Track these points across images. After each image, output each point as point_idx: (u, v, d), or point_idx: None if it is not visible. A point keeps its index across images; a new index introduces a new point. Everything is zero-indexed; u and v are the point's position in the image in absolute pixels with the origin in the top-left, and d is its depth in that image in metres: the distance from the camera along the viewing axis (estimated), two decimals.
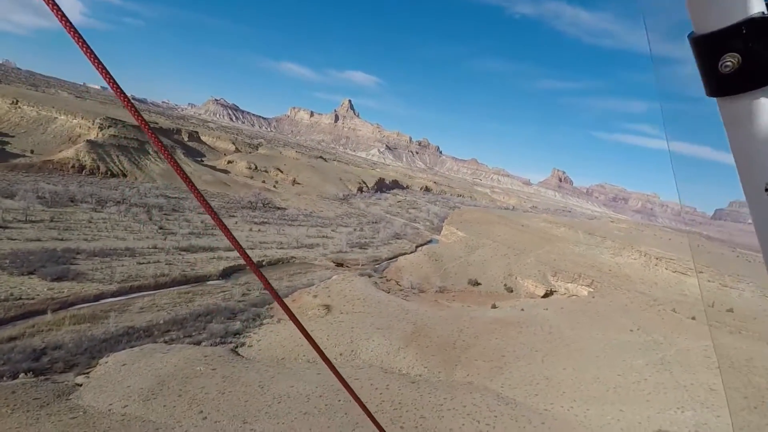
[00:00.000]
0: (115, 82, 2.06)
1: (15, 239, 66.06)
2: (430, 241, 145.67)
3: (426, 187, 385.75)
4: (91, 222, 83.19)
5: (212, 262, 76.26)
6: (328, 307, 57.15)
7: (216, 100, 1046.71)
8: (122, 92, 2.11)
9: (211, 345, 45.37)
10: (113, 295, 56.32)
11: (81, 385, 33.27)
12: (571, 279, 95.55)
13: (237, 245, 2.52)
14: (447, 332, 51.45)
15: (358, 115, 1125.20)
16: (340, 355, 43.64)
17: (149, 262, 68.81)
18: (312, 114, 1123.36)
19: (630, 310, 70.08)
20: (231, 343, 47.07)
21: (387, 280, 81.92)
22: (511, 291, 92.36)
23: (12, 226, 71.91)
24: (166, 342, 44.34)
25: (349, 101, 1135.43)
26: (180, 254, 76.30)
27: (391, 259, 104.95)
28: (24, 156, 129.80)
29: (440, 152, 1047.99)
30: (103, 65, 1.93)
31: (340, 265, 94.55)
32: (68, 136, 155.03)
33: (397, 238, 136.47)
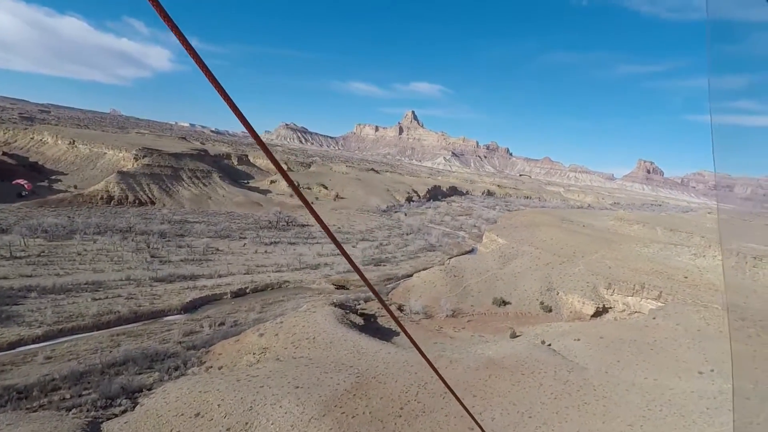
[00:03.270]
0: (246, 121, 2.52)
1: None
2: (471, 251, 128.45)
3: (488, 191, 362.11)
4: (79, 254, 79.96)
5: (183, 293, 68.19)
6: (265, 351, 45.27)
7: (286, 124, 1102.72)
8: (249, 126, 2.62)
9: (80, 412, 35.60)
10: (35, 341, 49.47)
11: None
12: (632, 291, 74.36)
13: (351, 262, 3.27)
14: (400, 389, 36.81)
15: (422, 125, 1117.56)
16: (227, 430, 31.28)
17: (107, 297, 62.23)
18: (377, 129, 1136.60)
19: (705, 337, 49.49)
20: (112, 408, 36.97)
21: (362, 311, 67.95)
22: (550, 310, 73.48)
23: None
24: (28, 410, 35.30)
25: (413, 112, 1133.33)
26: (151, 286, 69.33)
27: (408, 276, 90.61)
28: (66, 191, 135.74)
29: (510, 154, 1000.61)
30: (234, 105, 2.41)
31: (341, 287, 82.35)
32: (113, 169, 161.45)
33: (429, 251, 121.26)
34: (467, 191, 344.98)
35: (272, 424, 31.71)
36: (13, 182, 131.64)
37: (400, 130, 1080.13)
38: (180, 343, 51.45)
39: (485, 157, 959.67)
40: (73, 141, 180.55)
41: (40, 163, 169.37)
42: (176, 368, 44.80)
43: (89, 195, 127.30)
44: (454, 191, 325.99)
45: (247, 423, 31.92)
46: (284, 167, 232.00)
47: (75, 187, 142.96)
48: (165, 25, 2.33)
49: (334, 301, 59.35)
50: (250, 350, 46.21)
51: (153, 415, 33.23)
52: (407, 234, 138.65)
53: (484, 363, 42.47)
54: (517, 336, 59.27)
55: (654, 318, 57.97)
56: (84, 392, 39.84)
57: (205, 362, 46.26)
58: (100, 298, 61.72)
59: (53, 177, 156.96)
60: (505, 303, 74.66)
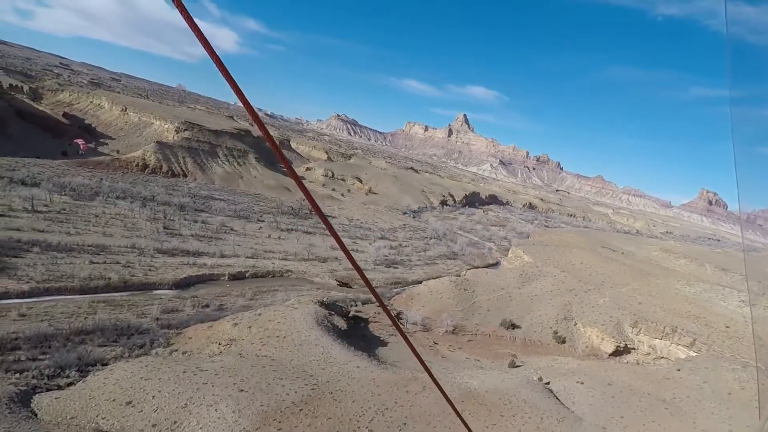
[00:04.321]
0: (243, 95, 2.59)
1: None
2: (495, 264, 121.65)
3: (530, 203, 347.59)
4: (96, 216, 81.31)
5: (181, 268, 67.23)
6: (232, 343, 42.54)
7: (338, 115, 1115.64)
8: (246, 101, 2.72)
9: (23, 377, 34.23)
10: (19, 295, 49.43)
11: None
12: (661, 334, 66.36)
13: (340, 243, 3.27)
14: (355, 411, 32.76)
15: (472, 130, 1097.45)
16: (153, 426, 28.58)
17: (104, 262, 62.10)
18: (426, 128, 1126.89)
19: (735, 403, 42.14)
20: (58, 378, 35.46)
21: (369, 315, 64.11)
22: (563, 342, 66.76)
23: (11, 214, 71.91)
24: None
25: (464, 116, 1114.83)
26: (152, 257, 68.93)
27: (418, 282, 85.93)
28: (108, 155, 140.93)
29: (561, 168, 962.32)
30: (233, 80, 2.41)
31: (344, 285, 79.06)
32: (157, 138, 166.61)
33: (450, 258, 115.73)
34: (507, 201, 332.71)
35: (201, 428, 28.67)
36: (73, 141, 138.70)
37: (450, 132, 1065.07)
38: (157, 320, 49.89)
39: (534, 168, 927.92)
40: (126, 108, 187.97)
41: (93, 126, 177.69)
42: (141, 346, 43.03)
43: (126, 161, 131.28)
44: (493, 200, 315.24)
45: (175, 422, 29.07)
46: (324, 156, 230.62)
47: (117, 151, 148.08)
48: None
49: (324, 299, 55.97)
50: (219, 339, 43.71)
51: (86, 395, 31.13)
52: (431, 238, 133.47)
53: (463, 395, 37.58)
54: (517, 366, 53.52)
55: (678, 370, 50.42)
56: (40, 357, 38.68)
57: (172, 344, 44.24)
58: (97, 262, 61.64)
59: (102, 140, 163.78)
60: (514, 326, 68.54)
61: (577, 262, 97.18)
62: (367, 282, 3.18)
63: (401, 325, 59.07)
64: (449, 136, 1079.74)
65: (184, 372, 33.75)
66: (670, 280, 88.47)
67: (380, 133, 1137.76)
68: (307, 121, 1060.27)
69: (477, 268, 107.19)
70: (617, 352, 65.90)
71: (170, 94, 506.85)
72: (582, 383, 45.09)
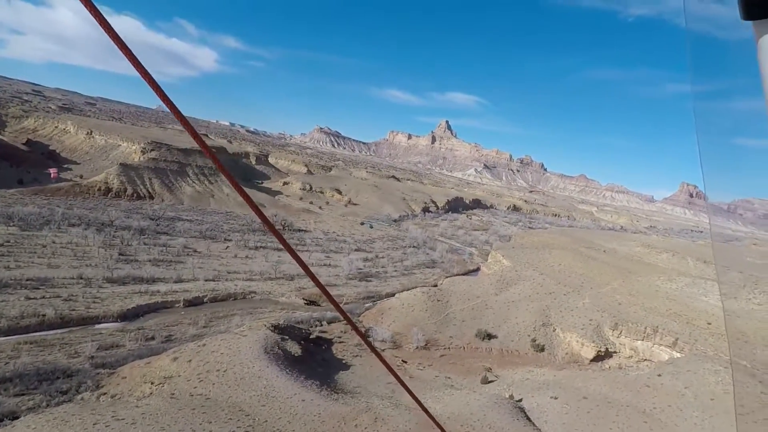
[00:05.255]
0: (168, 100, 2.15)
1: None
2: (476, 270, 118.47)
3: (514, 206, 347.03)
4: (44, 247, 76.18)
5: (130, 297, 62.52)
6: (166, 381, 38.21)
7: (321, 128, 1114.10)
8: (177, 111, 2.24)
9: None
10: None
11: None
12: (642, 335, 63.50)
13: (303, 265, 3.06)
14: None
15: (455, 135, 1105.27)
16: None
17: (42, 297, 57.21)
18: (410, 137, 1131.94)
19: (719, 409, 38.96)
20: None
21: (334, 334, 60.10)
22: (542, 350, 63.38)
23: None
24: None
25: (446, 122, 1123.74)
26: (100, 287, 64.14)
27: (392, 295, 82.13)
28: (69, 180, 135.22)
29: (544, 169, 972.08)
30: (156, 83, 2.03)
31: (312, 302, 74.93)
32: (124, 160, 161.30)
33: (428, 267, 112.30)
34: (491, 205, 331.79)
35: None
36: (49, 169, 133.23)
37: (433, 139, 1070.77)
38: (92, 358, 45.30)
39: (518, 171, 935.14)
40: (91, 132, 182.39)
41: (57, 151, 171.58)
42: (65, 392, 38.43)
43: (87, 185, 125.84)
44: (477, 204, 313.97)
45: None
46: (304, 169, 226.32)
47: (81, 176, 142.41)
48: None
49: (280, 322, 51.83)
50: (153, 377, 39.32)
51: None
52: (409, 247, 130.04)
53: (420, 425, 33.75)
54: (490, 382, 49.93)
55: (659, 375, 47.27)
56: None
57: (101, 387, 39.72)
58: (34, 298, 56.75)
59: (66, 166, 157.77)
60: (490, 336, 65.02)
61: (556, 264, 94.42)
62: (330, 298, 3.12)
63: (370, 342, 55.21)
64: (433, 143, 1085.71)
65: (94, 425, 29.38)
66: (651, 276, 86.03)
67: (364, 143, 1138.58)
68: (290, 136, 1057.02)
69: (455, 275, 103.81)
70: (598, 357, 62.67)
71: (147, 116, 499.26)
72: (556, 398, 41.60)
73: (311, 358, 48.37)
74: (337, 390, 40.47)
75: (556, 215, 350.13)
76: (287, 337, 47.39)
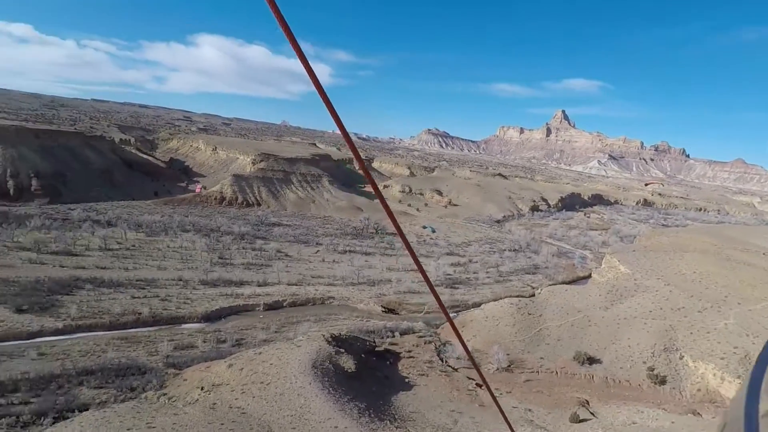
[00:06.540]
0: (341, 124, 2.76)
1: (64, 267, 70.33)
2: (587, 277, 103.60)
3: (644, 200, 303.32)
4: (159, 250, 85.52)
5: (216, 299, 65.99)
6: (214, 389, 37.84)
7: (429, 130, 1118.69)
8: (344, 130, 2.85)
9: None
10: (53, 333, 51.18)
11: None
12: None
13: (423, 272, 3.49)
14: None
15: (573, 126, 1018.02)
16: None
17: (144, 297, 63.17)
18: (522, 131, 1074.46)
19: None
20: (31, 427, 33.82)
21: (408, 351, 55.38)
22: (662, 383, 51.04)
23: (85, 253, 78.32)
24: None
25: (563, 112, 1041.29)
26: (194, 288, 69.03)
27: (478, 305, 74.77)
28: (192, 191, 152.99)
29: (687, 156, 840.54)
30: (335, 111, 2.61)
31: (390, 311, 71.44)
32: (238, 171, 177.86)
33: (528, 273, 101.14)
34: (616, 200, 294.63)
35: None
36: (197, 187, 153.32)
37: (548, 132, 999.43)
38: (167, 357, 47.80)
39: (652, 159, 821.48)
40: (215, 147, 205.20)
41: (190, 166, 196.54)
42: (133, 389, 40.63)
43: (206, 195, 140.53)
44: (598, 200, 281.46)
45: None
46: (407, 171, 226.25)
47: (205, 188, 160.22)
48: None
49: (340, 333, 49.13)
50: (206, 383, 39.43)
51: None
52: (510, 250, 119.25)
53: None
54: (582, 421, 40.68)
55: None
56: (32, 399, 37.99)
57: (165, 386, 41.12)
58: (138, 297, 62.93)
59: (194, 179, 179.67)
60: (591, 361, 54.25)
61: (689, 271, 76.85)
62: (448, 316, 3.51)
63: (434, 360, 49.60)
64: (548, 135, 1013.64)
65: (128, 430, 29.48)
66: None
67: (473, 142, 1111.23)
68: (399, 140, 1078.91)
69: (560, 283, 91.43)
70: None
71: (271, 130, 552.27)
72: None
73: (369, 374, 44.70)
74: (384, 416, 36.07)
75: (701, 209, 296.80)
76: (343, 350, 44.39)
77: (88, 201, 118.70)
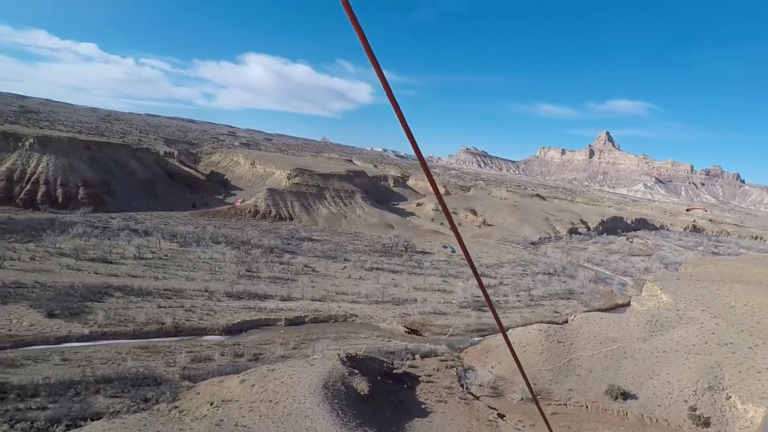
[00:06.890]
0: (416, 146, 3.14)
1: (98, 273, 73.16)
2: (626, 305, 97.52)
3: (693, 226, 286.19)
4: (191, 261, 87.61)
5: (239, 312, 66.31)
6: (223, 405, 37.30)
7: (467, 149, 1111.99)
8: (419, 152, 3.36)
9: (12, 429, 33.74)
10: (79, 339, 52.67)
11: None
12: None
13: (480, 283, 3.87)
14: None
15: (618, 147, 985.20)
16: None
17: (169, 306, 64.33)
18: (563, 152, 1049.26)
19: None
20: None
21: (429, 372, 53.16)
22: (706, 424, 46.48)
23: (120, 261, 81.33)
24: None
25: (607, 133, 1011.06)
26: (218, 300, 69.78)
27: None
28: (229, 204, 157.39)
29: (741, 181, 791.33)
30: (411, 133, 2.92)
31: (413, 332, 69.39)
32: (274, 186, 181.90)
33: (562, 298, 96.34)
34: (662, 225, 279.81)
35: None
36: (237, 201, 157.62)
37: (591, 153, 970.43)
38: (184, 369, 47.98)
39: (702, 184, 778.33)
40: (254, 162, 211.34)
41: (229, 180, 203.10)
42: (147, 400, 40.71)
43: (241, 208, 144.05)
44: (642, 224, 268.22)
45: None
46: (442, 190, 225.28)
47: (243, 200, 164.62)
48: (368, 64, 2.89)
49: (356, 353, 47.71)
50: (216, 398, 38.97)
51: None
52: (544, 273, 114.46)
53: None
54: None
55: None
56: (49, 405, 38.74)
57: (177, 399, 41.01)
58: (163, 306, 64.17)
59: (232, 192, 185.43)
60: (626, 396, 50.07)
61: (739, 303, 70.45)
62: (508, 340, 3.97)
63: (454, 386, 47.20)
64: (590, 157, 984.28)
65: None
66: None
67: (512, 162, 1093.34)
68: (438, 158, 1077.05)
69: (595, 311, 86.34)
70: None
71: (310, 147, 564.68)
72: None
73: (384, 397, 42.95)
74: None
75: (756, 238, 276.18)
76: (357, 371, 42.98)
77: (130, 210, 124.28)
